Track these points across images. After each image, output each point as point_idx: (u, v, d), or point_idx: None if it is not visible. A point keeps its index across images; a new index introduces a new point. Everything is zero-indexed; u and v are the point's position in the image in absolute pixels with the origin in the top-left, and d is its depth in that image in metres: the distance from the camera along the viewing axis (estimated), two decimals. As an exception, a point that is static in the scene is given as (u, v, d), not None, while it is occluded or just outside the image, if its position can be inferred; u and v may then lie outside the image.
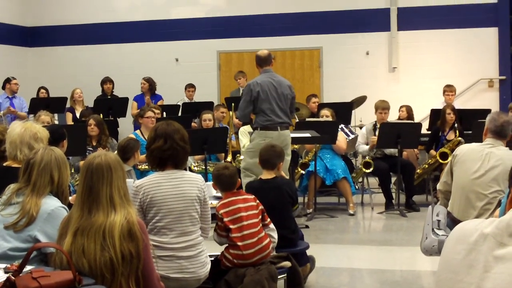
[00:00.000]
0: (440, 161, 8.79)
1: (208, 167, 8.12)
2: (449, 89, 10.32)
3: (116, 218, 3.02)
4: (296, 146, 9.42)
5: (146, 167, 7.52)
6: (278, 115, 7.26)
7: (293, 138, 8.24)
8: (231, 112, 9.69)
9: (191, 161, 8.63)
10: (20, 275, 2.72)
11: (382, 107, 9.22)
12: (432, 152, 9.24)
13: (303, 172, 8.87)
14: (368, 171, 8.99)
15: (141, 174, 7.39)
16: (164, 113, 9.91)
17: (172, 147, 4.14)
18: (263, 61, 7.47)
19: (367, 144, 9.19)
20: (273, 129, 7.23)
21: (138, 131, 8.41)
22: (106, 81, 12.14)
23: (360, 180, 9.75)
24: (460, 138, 8.81)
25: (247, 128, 8.67)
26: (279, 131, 7.24)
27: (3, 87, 11.48)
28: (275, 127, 7.24)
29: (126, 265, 2.97)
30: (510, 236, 1.69)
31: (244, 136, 8.71)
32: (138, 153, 6.49)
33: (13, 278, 2.67)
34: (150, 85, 11.72)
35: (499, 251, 1.68)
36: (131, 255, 2.99)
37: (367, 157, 9.17)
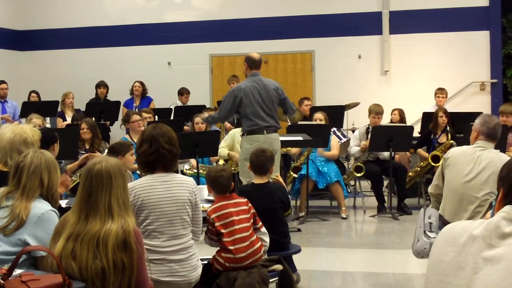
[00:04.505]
0: (432, 164, 8.79)
1: (200, 170, 8.10)
2: (440, 92, 10.37)
3: (112, 227, 2.99)
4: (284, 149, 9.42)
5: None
6: (264, 119, 7.24)
7: (285, 142, 8.22)
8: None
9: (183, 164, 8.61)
10: (10, 278, 2.71)
11: (375, 111, 9.22)
12: (420, 151, 9.28)
13: (296, 175, 8.86)
14: (359, 175, 9.00)
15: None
16: (156, 116, 9.91)
17: (157, 150, 4.13)
18: (254, 64, 7.41)
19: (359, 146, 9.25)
20: (259, 133, 7.20)
21: (127, 135, 8.40)
22: (101, 85, 12.12)
23: (352, 183, 9.76)
24: (452, 141, 8.82)
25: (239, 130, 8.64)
26: (265, 134, 7.21)
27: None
28: (261, 130, 7.21)
29: (118, 275, 2.94)
30: (499, 237, 1.69)
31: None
32: (127, 157, 6.20)
33: (2, 281, 2.66)
34: (143, 88, 11.86)
35: (488, 252, 1.68)
36: (123, 265, 2.96)
37: (358, 162, 9.17)
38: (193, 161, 8.67)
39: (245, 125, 7.31)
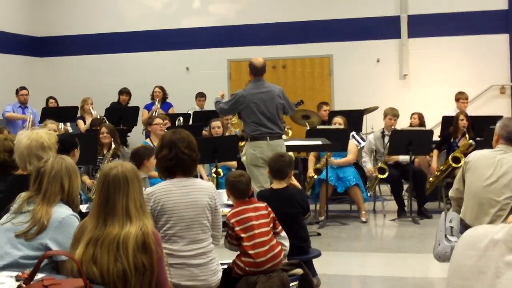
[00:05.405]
0: (453, 165, 8.74)
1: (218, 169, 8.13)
2: (463, 96, 10.32)
3: (131, 230, 3.01)
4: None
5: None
6: (267, 126, 7.24)
7: (304, 146, 8.23)
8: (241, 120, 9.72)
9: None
10: (31, 283, 2.73)
11: (391, 113, 9.24)
12: (435, 153, 9.30)
13: (316, 176, 8.83)
14: (383, 176, 8.97)
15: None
16: (181, 118, 9.98)
17: (177, 155, 4.14)
18: (257, 71, 7.39)
19: (371, 152, 9.28)
20: (262, 139, 7.23)
21: (148, 139, 8.44)
22: (124, 92, 12.19)
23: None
24: (470, 141, 8.78)
25: None
26: (268, 141, 7.22)
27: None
28: (264, 137, 7.23)
29: (139, 276, 2.97)
30: (521, 241, 1.68)
31: None
32: (151, 161, 6.22)
33: (24, 286, 2.68)
34: (164, 93, 11.92)
35: (510, 257, 1.67)
36: (144, 267, 2.98)
37: (380, 163, 9.12)
38: (204, 176, 8.68)
39: (248, 130, 7.34)
